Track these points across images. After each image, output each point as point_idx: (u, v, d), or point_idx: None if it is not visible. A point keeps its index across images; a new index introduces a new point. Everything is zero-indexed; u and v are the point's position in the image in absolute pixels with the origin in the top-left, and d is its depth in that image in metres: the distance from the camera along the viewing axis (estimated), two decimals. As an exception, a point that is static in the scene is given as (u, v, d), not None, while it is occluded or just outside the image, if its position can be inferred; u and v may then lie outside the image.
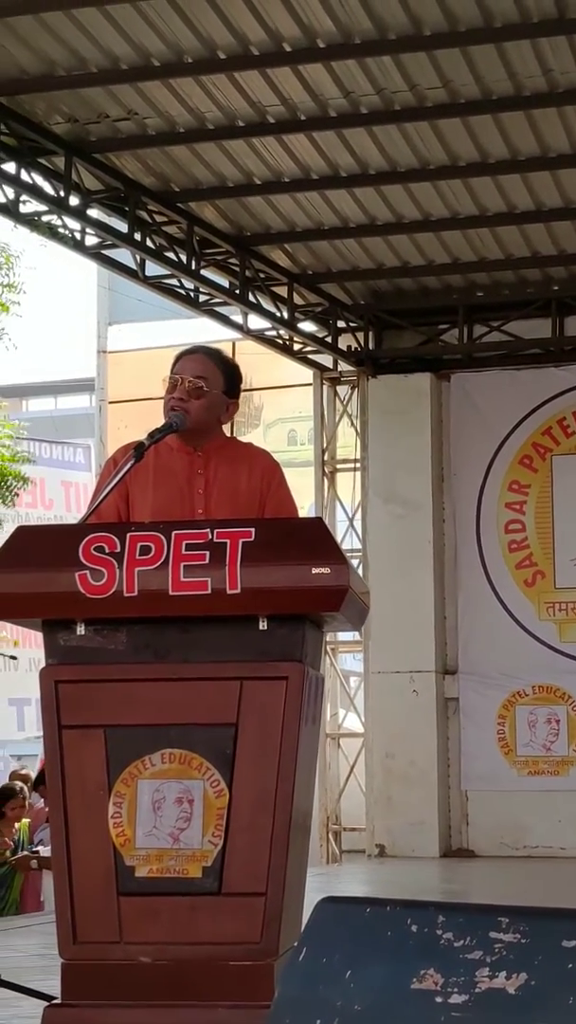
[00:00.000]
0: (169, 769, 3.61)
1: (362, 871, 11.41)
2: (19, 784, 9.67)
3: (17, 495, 11.08)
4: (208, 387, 4.11)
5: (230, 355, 4.54)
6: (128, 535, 3.67)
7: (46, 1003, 3.77)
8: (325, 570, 3.57)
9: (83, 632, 3.69)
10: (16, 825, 9.16)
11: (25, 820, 9.32)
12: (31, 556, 3.73)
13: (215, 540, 3.62)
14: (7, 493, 10.71)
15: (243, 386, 4.34)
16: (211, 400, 4.12)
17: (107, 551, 3.65)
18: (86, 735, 3.65)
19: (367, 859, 11.91)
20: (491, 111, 9.07)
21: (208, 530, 3.65)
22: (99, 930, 3.58)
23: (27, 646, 11.76)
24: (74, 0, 7.93)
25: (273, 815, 3.56)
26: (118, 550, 3.64)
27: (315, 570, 3.57)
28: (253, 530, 3.64)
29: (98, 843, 3.59)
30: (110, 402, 16.47)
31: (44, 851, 8.80)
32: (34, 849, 9.04)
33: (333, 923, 2.42)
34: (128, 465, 3.97)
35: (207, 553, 3.61)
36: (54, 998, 3.75)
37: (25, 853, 8.96)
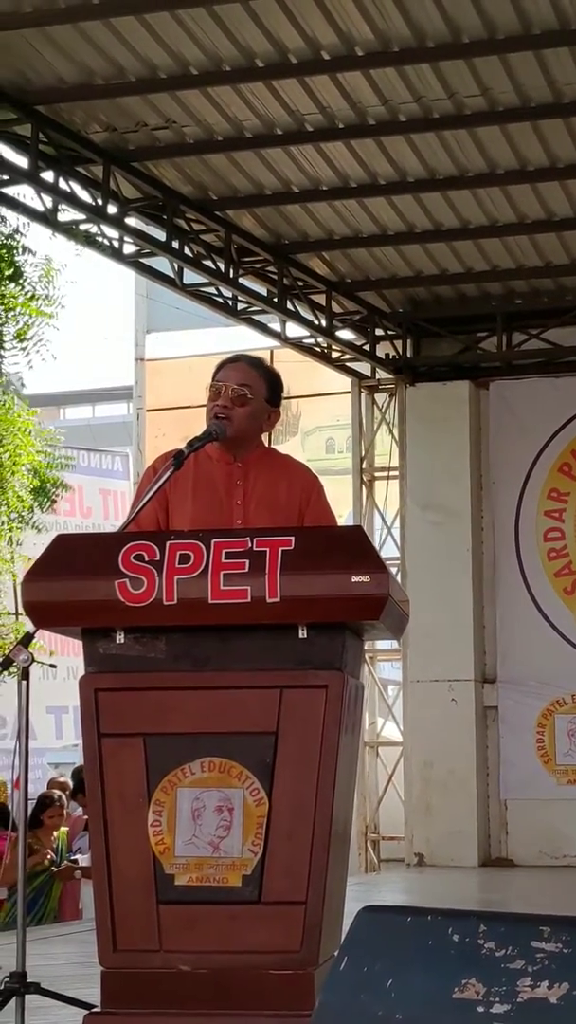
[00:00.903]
0: (209, 777, 3.61)
1: (401, 880, 11.38)
2: (57, 793, 9.68)
3: (55, 502, 11.10)
4: (252, 394, 4.12)
5: (270, 363, 4.55)
6: (168, 543, 3.67)
7: (86, 1011, 3.78)
8: (365, 578, 3.57)
9: (122, 640, 3.70)
10: (54, 833, 9.18)
11: (63, 828, 9.34)
12: (71, 564, 3.74)
13: (255, 549, 3.62)
14: (46, 500, 10.73)
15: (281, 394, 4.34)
16: (254, 408, 4.13)
17: (147, 559, 3.65)
18: (125, 743, 3.65)
19: (406, 868, 11.87)
20: (530, 119, 9.05)
21: (248, 539, 3.64)
22: (139, 938, 3.58)
23: (64, 654, 11.80)
24: (113, 9, 7.96)
25: (313, 824, 3.55)
26: (158, 558, 3.64)
27: (355, 578, 3.57)
28: (293, 538, 3.63)
29: (138, 851, 3.59)
30: (148, 410, 16.51)
31: (82, 859, 8.82)
32: (72, 858, 9.05)
33: (374, 932, 2.41)
34: (167, 474, 3.97)
35: (247, 562, 3.61)
36: (94, 1006, 3.75)
37: (68, 863, 8.96)
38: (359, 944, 2.40)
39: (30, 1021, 4.11)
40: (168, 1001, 3.54)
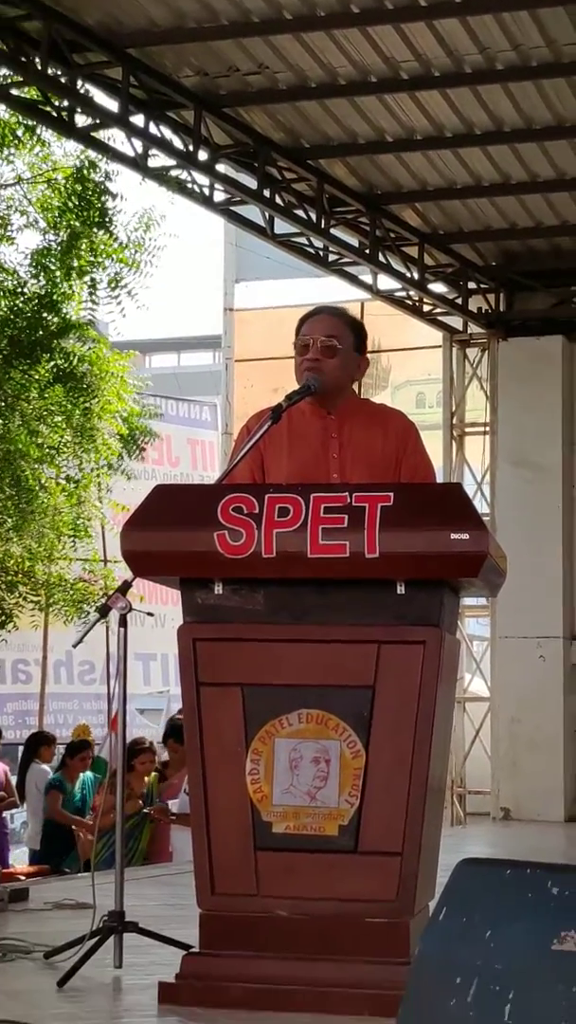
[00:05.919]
0: (306, 729, 3.65)
1: (487, 833, 11.40)
2: (148, 739, 9.79)
3: (144, 450, 11.12)
4: (340, 344, 4.10)
5: (357, 315, 4.53)
6: (266, 497, 3.69)
7: (183, 951, 3.85)
8: (464, 536, 3.57)
9: (221, 591, 3.74)
10: (145, 779, 9.28)
11: (154, 773, 9.43)
12: (170, 515, 3.78)
13: (354, 504, 3.63)
14: (135, 447, 10.75)
15: (371, 347, 4.33)
16: (344, 358, 4.11)
17: (245, 512, 3.68)
18: (224, 693, 3.70)
19: (492, 822, 11.90)
20: (630, 66, 8.91)
21: (347, 494, 3.66)
22: (237, 883, 3.64)
23: (152, 602, 11.90)
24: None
25: (410, 777, 3.58)
26: (256, 511, 3.67)
27: (454, 535, 3.58)
28: (392, 494, 3.64)
29: (236, 798, 3.65)
30: (236, 360, 16.50)
31: (172, 805, 8.91)
32: (163, 803, 9.13)
33: (473, 884, 2.44)
34: (264, 427, 3.96)
35: (345, 516, 3.62)
36: (191, 947, 3.82)
37: (159, 806, 9.04)
38: (458, 895, 2.43)
39: (127, 959, 4.19)
40: (266, 944, 3.60)
